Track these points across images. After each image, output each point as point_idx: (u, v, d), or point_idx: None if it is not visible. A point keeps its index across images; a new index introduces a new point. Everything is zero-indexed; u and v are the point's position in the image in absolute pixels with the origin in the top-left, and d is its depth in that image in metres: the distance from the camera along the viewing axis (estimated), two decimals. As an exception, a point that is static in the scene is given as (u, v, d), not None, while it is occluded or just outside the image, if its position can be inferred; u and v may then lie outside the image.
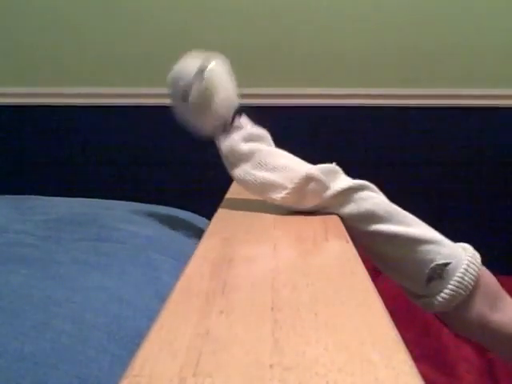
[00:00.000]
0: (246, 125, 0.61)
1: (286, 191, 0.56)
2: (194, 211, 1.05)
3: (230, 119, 0.61)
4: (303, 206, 0.57)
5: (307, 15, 1.60)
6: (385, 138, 1.66)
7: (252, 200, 0.65)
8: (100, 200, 1.01)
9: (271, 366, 0.26)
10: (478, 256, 0.54)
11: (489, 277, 0.54)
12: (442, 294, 0.52)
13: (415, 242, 0.52)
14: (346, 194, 0.55)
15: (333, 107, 1.64)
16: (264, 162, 0.58)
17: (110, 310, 0.51)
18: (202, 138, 0.63)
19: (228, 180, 0.90)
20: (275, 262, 0.42)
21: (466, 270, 0.51)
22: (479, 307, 0.52)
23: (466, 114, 1.64)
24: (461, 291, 0.51)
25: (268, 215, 0.58)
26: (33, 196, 1.05)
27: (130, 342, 0.48)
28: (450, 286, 0.51)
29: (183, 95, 0.59)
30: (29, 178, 1.69)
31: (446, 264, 0.51)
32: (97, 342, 0.46)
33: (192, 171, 1.68)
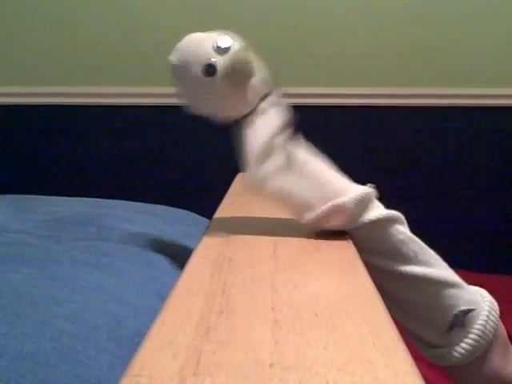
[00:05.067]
0: (275, 114, 0.52)
1: (310, 216, 0.49)
2: (193, 211, 1.05)
3: (259, 102, 0.52)
4: (323, 228, 0.51)
5: (306, 15, 1.60)
6: (385, 137, 1.66)
7: (252, 200, 0.65)
8: (100, 200, 1.01)
9: (271, 365, 0.26)
10: (495, 303, 0.50)
11: (502, 326, 0.50)
12: (464, 345, 0.48)
13: (439, 285, 0.48)
14: (374, 227, 0.49)
15: (333, 107, 1.64)
16: (298, 169, 0.50)
17: (110, 310, 0.51)
18: (216, 121, 0.54)
19: (228, 180, 0.90)
20: (275, 262, 0.42)
21: (488, 317, 0.48)
22: (496, 360, 0.49)
23: (467, 113, 1.64)
24: (483, 342, 0.47)
25: (268, 215, 0.58)
26: (33, 196, 1.05)
27: (129, 342, 0.48)
28: (472, 336, 0.47)
29: (207, 69, 0.49)
30: (29, 178, 1.69)
31: (469, 311, 0.48)
32: (97, 341, 0.46)
33: (192, 171, 1.68)
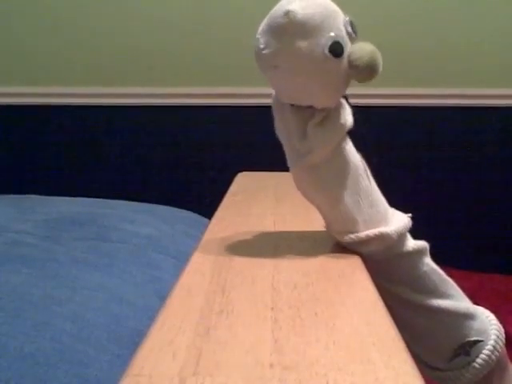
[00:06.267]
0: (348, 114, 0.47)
1: (352, 237, 0.45)
2: (193, 211, 1.05)
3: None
4: (356, 250, 0.47)
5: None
6: (385, 137, 1.66)
7: (252, 200, 0.65)
8: (100, 200, 1.01)
9: (271, 365, 0.26)
10: (502, 330, 0.50)
11: (504, 350, 0.51)
12: (466, 374, 0.48)
13: (455, 316, 0.48)
14: (405, 258, 0.47)
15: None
16: (356, 179, 0.46)
17: (110, 310, 0.51)
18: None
19: (228, 180, 0.90)
20: (275, 262, 0.42)
21: (494, 347, 0.48)
22: (494, 382, 0.50)
23: (467, 113, 1.64)
24: (484, 369, 0.48)
25: (268, 215, 0.58)
26: (33, 196, 1.05)
27: (130, 342, 0.48)
28: (475, 365, 0.48)
29: (335, 48, 0.40)
30: (29, 178, 1.69)
31: (477, 341, 0.48)
32: (97, 341, 0.46)
33: (192, 171, 1.68)
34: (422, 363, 0.51)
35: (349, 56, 0.42)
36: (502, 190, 1.68)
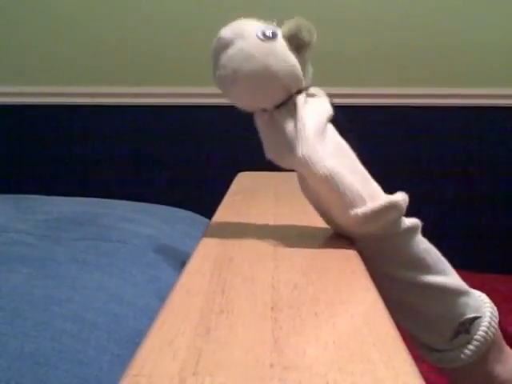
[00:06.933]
0: (326, 101, 0.50)
1: (361, 211, 0.45)
2: (194, 211, 1.05)
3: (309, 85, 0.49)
4: (361, 230, 0.47)
5: (306, 15, 1.59)
6: (385, 137, 1.66)
7: (252, 200, 0.65)
8: (100, 199, 1.01)
9: (271, 365, 0.26)
10: (495, 308, 0.51)
11: (498, 329, 0.52)
12: (467, 351, 0.49)
13: (453, 293, 0.49)
14: (404, 235, 0.47)
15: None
16: (349, 159, 0.47)
17: (110, 310, 0.51)
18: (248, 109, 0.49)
19: (228, 180, 0.90)
20: (275, 262, 0.42)
21: (490, 324, 0.49)
22: (492, 361, 0.51)
23: (467, 113, 1.64)
24: (484, 347, 0.49)
25: (268, 215, 0.58)
26: (33, 195, 1.05)
27: (129, 342, 0.48)
28: (475, 342, 0.49)
29: (266, 33, 0.46)
30: (29, 178, 1.69)
31: (475, 318, 0.49)
32: (97, 341, 0.46)
33: (192, 171, 1.68)
34: (424, 347, 0.52)
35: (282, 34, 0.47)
36: (502, 190, 1.68)
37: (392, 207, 0.45)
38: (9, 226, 0.75)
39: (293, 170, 0.49)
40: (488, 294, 0.53)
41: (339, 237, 0.49)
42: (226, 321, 0.31)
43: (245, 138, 1.66)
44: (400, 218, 0.47)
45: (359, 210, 0.45)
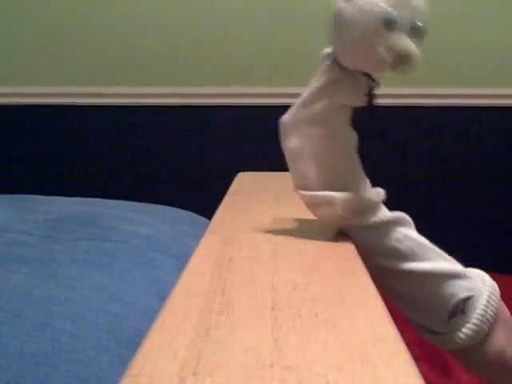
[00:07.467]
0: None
1: (303, 194, 0.51)
2: (194, 211, 1.05)
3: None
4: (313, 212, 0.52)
5: (306, 15, 1.60)
6: (385, 137, 1.66)
7: (252, 200, 0.65)
8: (100, 199, 1.01)
9: (271, 365, 0.26)
10: (496, 286, 0.52)
11: (504, 307, 0.52)
12: (465, 330, 0.49)
13: (437, 277, 0.50)
14: (376, 229, 0.51)
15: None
16: (324, 144, 0.51)
17: (110, 310, 0.51)
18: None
19: (228, 180, 0.90)
20: (275, 262, 0.42)
21: (488, 302, 0.49)
22: (499, 342, 0.50)
23: (468, 113, 1.64)
24: (484, 326, 0.49)
25: (268, 215, 0.58)
26: (33, 195, 1.05)
27: (129, 342, 0.48)
28: (473, 321, 0.49)
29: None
30: (29, 178, 1.69)
31: (468, 297, 0.49)
32: (97, 341, 0.46)
33: (192, 170, 1.67)
34: (425, 330, 0.53)
35: None
36: (502, 190, 1.68)
37: (327, 203, 0.49)
38: (9, 226, 0.75)
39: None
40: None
41: (339, 237, 0.49)
42: (226, 321, 0.31)
43: (245, 138, 1.66)
44: (350, 212, 0.50)
45: (301, 192, 0.50)
